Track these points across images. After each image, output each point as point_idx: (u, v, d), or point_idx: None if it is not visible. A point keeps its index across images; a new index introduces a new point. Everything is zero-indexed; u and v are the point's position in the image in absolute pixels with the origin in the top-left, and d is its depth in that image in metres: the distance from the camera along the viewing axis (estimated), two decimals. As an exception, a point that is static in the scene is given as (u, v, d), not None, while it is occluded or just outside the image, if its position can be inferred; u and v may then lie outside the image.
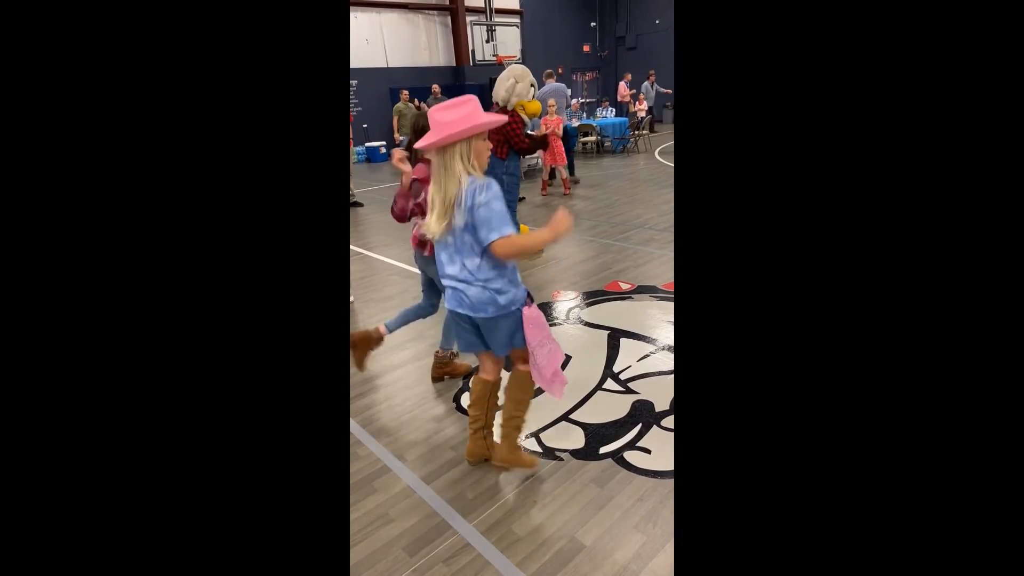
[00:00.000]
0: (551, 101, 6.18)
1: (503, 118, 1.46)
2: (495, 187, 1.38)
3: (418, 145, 1.40)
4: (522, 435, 1.69)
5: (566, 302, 3.12)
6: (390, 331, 2.23)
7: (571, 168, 6.69)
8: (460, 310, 1.50)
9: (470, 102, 1.37)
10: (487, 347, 1.58)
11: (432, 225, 1.41)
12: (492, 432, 1.76)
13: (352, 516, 1.61)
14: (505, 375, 1.69)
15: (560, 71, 13.79)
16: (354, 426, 2.06)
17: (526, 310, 1.50)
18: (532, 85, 3.84)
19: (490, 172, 1.47)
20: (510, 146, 3.74)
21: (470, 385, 1.76)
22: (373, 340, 2.23)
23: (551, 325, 2.83)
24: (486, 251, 1.40)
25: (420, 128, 2.11)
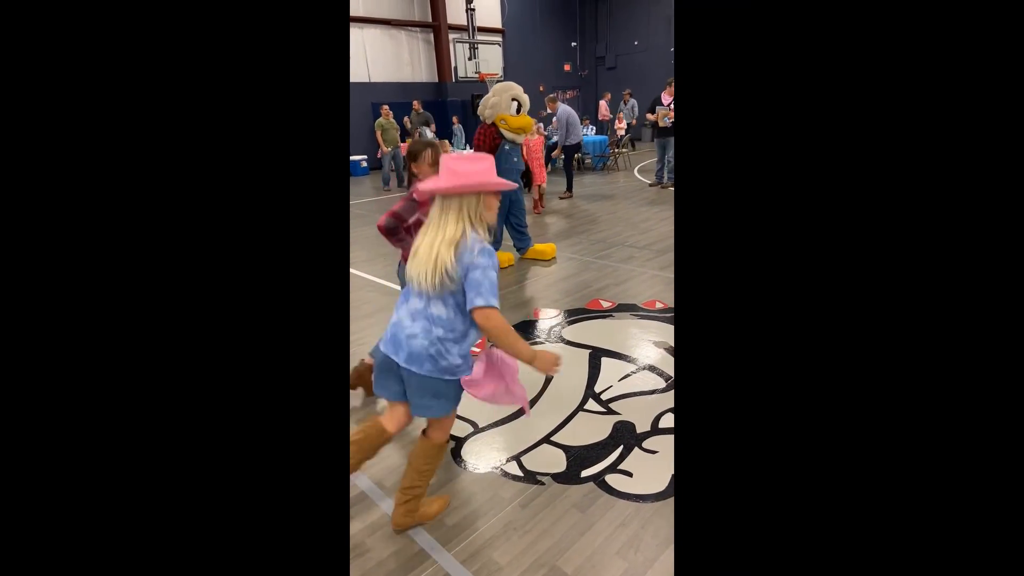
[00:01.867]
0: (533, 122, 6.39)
1: (512, 184, 1.46)
2: (495, 257, 1.35)
3: (427, 188, 1.36)
4: (420, 500, 1.57)
5: (548, 320, 3.11)
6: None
7: (569, 184, 7.06)
8: (394, 357, 1.39)
9: (488, 160, 1.36)
10: (404, 399, 1.46)
11: (412, 270, 1.36)
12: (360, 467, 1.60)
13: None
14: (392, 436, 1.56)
15: (541, 89, 14.00)
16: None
17: (485, 358, 1.42)
18: (514, 100, 3.89)
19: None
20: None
21: (364, 423, 1.56)
22: (368, 374, 2.19)
23: (533, 343, 2.81)
24: (459, 311, 1.35)
25: (414, 153, 2.17)
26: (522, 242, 4.30)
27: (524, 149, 5.81)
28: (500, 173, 4.20)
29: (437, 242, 1.32)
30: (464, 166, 1.32)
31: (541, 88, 13.98)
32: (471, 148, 4.39)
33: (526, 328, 3.02)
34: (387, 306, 3.46)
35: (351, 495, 1.76)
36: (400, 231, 2.04)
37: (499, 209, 4.36)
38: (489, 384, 1.42)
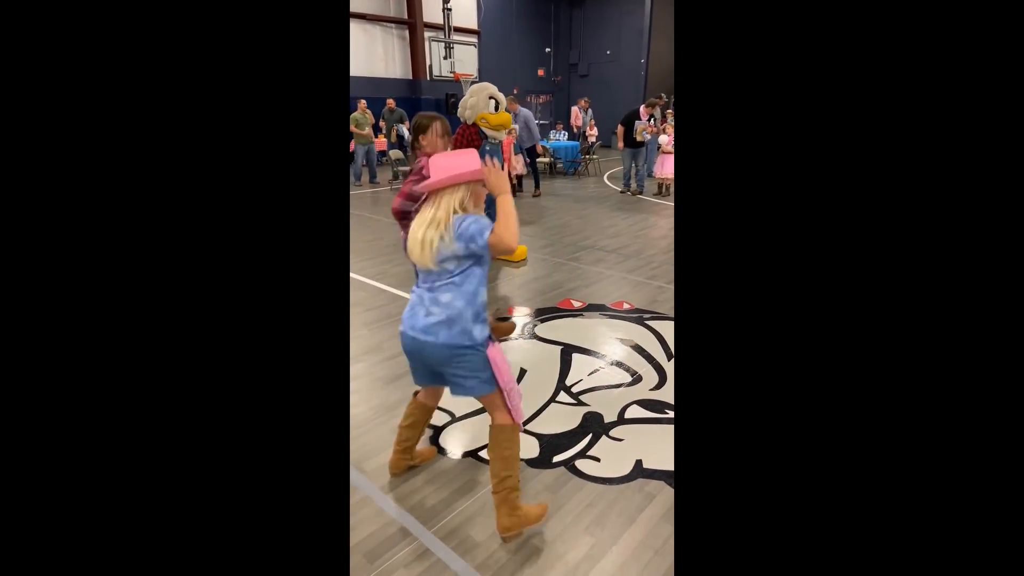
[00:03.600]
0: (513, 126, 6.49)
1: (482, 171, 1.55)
2: (486, 219, 1.46)
3: (420, 188, 1.51)
4: (519, 494, 1.55)
5: (521, 318, 3.23)
6: None
7: (536, 182, 7.37)
8: (411, 333, 1.47)
9: (470, 154, 1.48)
10: (434, 382, 1.58)
11: (410, 254, 1.49)
12: (414, 447, 1.83)
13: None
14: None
15: (516, 91, 14.15)
16: (310, 437, 2.06)
17: (491, 350, 1.48)
18: (491, 98, 3.98)
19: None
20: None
21: (409, 407, 1.79)
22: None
23: (507, 340, 2.93)
24: (461, 276, 1.46)
25: (422, 126, 2.23)
26: None
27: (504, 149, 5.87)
28: None
29: (424, 225, 1.45)
30: (446, 161, 1.47)
31: (515, 91, 14.13)
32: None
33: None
34: (381, 304, 3.49)
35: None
36: (412, 215, 2.09)
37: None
38: (507, 375, 1.50)
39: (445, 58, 11.86)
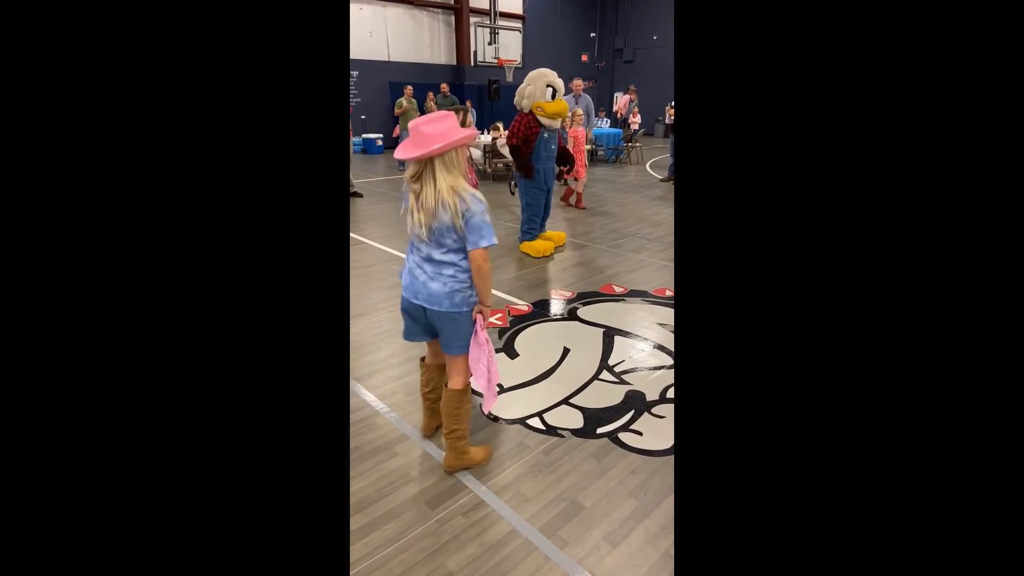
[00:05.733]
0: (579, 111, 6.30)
1: (474, 132, 1.67)
2: (483, 199, 1.58)
3: (401, 155, 1.52)
4: (466, 442, 1.79)
5: (565, 300, 3.34)
6: None
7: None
8: (414, 300, 1.64)
9: (450, 118, 1.53)
10: (432, 337, 1.76)
11: (410, 225, 1.59)
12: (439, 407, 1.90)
13: (376, 475, 1.79)
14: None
15: (558, 78, 14.04)
16: (372, 399, 2.24)
17: (478, 325, 1.66)
18: (549, 86, 3.96)
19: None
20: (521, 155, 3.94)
21: (424, 375, 1.90)
22: None
23: (552, 320, 3.04)
24: (462, 253, 1.58)
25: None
26: (531, 231, 4.32)
27: (572, 141, 5.61)
28: (539, 161, 4.32)
29: (425, 198, 1.52)
30: (431, 128, 1.49)
31: (557, 77, 14.04)
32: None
33: (544, 306, 3.24)
34: (412, 278, 3.67)
35: (393, 435, 1.99)
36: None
37: (540, 195, 4.35)
38: (485, 359, 1.68)
39: (490, 43, 11.89)
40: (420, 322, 1.71)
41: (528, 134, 4.00)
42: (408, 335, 1.78)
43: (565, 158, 4.43)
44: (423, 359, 1.91)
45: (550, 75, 4.02)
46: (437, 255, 1.60)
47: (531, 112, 4.00)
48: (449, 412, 1.75)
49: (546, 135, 4.06)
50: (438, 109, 8.81)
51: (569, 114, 6.01)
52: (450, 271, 1.60)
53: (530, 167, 4.03)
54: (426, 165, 1.52)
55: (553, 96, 4.00)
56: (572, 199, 6.05)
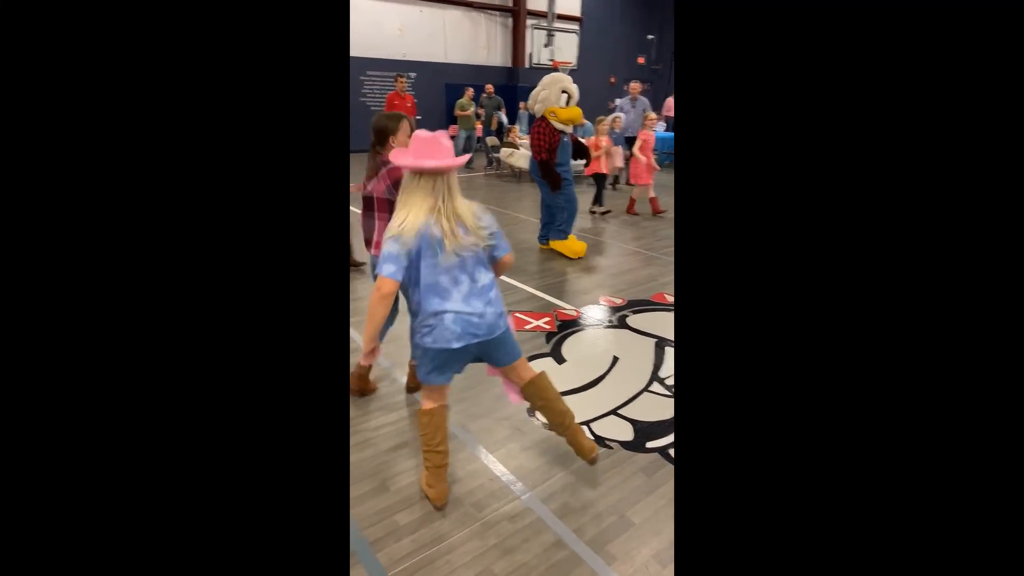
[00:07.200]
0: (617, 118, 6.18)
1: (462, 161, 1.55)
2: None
3: (436, 165, 1.43)
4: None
5: (614, 307, 3.28)
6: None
7: (597, 197, 5.74)
8: (474, 341, 1.50)
9: (444, 138, 1.49)
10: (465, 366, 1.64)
11: (451, 244, 1.46)
12: None
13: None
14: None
15: (613, 81, 13.88)
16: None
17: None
18: (564, 92, 3.88)
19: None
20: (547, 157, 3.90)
21: (424, 419, 1.65)
22: (363, 377, 2.18)
23: (601, 327, 2.99)
24: (484, 266, 1.55)
25: (379, 129, 1.95)
26: (563, 230, 4.21)
27: (638, 143, 5.50)
28: (560, 167, 4.27)
29: (457, 212, 1.47)
30: (441, 144, 1.45)
31: (612, 80, 13.87)
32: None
33: (593, 313, 3.19)
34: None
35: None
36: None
37: (570, 188, 4.27)
38: None
39: (545, 45, 11.90)
40: (465, 359, 1.59)
41: (552, 143, 3.94)
42: (448, 379, 1.61)
43: (581, 151, 4.34)
44: (427, 410, 1.63)
45: (565, 81, 3.93)
46: (481, 279, 1.52)
47: (544, 117, 3.93)
48: (553, 398, 1.71)
49: (564, 139, 4.01)
50: (485, 112, 8.92)
51: (609, 120, 5.92)
52: (493, 291, 1.56)
53: (558, 179, 4.00)
54: (438, 180, 1.45)
55: (568, 102, 3.92)
56: (648, 207, 5.76)
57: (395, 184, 1.86)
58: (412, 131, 1.87)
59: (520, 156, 7.40)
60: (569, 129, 4.04)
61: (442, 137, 1.48)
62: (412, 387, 2.26)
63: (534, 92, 4.02)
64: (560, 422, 1.74)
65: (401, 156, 1.48)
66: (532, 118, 4.07)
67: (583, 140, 5.01)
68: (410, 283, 1.48)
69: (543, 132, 3.93)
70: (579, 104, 4.08)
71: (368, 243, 2.04)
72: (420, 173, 1.45)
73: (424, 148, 1.45)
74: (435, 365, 1.55)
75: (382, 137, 1.93)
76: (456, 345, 1.49)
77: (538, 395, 1.71)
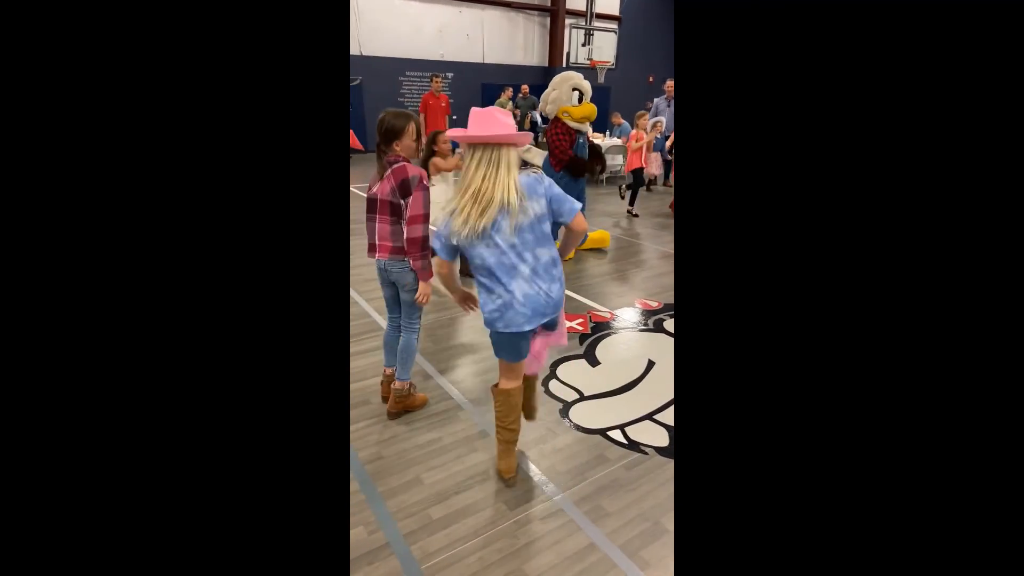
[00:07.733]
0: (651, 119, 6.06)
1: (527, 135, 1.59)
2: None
3: (472, 133, 1.43)
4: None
5: (649, 311, 3.22)
6: (405, 379, 2.07)
7: (633, 197, 5.64)
8: (544, 319, 1.56)
9: (499, 114, 1.48)
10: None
11: (461, 222, 1.44)
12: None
13: (458, 468, 1.82)
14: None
15: (651, 80, 13.66)
16: (456, 393, 2.29)
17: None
18: (575, 89, 3.72)
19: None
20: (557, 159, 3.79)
21: (501, 402, 1.70)
22: (415, 400, 2.15)
23: (635, 331, 2.95)
24: (547, 241, 1.53)
25: (386, 130, 1.83)
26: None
27: (670, 141, 5.43)
28: None
29: (486, 191, 1.43)
30: (505, 117, 1.45)
31: (650, 80, 13.65)
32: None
33: (628, 316, 3.15)
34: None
35: (474, 431, 2.02)
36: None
37: (583, 182, 4.15)
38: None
39: (584, 45, 11.82)
40: (528, 341, 1.64)
41: (571, 144, 3.78)
42: (523, 356, 1.65)
43: (595, 154, 4.24)
44: (504, 389, 1.69)
45: (576, 78, 3.76)
46: (544, 256, 1.52)
47: (557, 118, 3.76)
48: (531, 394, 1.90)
49: (580, 140, 3.82)
50: (520, 112, 8.91)
51: (650, 123, 5.76)
52: (557, 268, 1.57)
53: (582, 162, 3.82)
54: (492, 152, 1.43)
55: (580, 100, 3.73)
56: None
57: (401, 185, 1.80)
58: (419, 131, 1.86)
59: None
60: (585, 128, 3.84)
61: (498, 111, 1.47)
62: (393, 412, 2.09)
63: (544, 93, 3.85)
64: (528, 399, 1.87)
65: (458, 131, 1.49)
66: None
67: (619, 140, 4.94)
68: (470, 256, 1.53)
69: (560, 134, 3.74)
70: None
71: (371, 248, 1.93)
72: (480, 145, 1.44)
73: (482, 122, 1.44)
74: (509, 346, 1.61)
75: (388, 137, 1.83)
76: (528, 328, 1.55)
77: (529, 386, 1.84)
